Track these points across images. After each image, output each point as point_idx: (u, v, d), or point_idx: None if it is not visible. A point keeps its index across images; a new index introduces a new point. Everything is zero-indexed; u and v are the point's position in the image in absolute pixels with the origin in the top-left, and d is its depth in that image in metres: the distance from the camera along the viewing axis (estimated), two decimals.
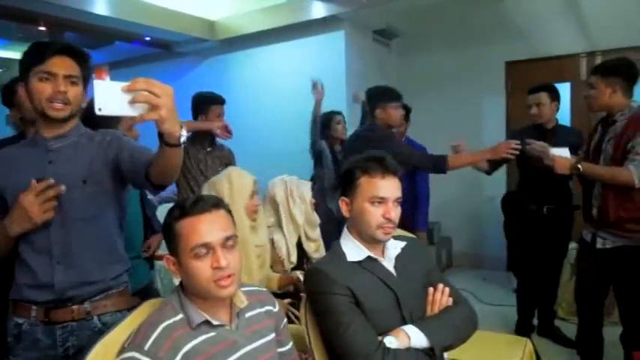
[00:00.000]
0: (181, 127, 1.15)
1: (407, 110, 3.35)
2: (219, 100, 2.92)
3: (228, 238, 1.12)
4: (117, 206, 1.49)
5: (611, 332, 3.23)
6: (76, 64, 1.36)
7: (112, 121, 1.87)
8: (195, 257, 1.09)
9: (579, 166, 2.28)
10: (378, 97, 2.84)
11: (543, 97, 2.85)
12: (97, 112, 1.02)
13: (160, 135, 1.15)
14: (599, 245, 2.36)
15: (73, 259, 1.38)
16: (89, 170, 1.40)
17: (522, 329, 3.10)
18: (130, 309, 1.41)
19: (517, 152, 2.52)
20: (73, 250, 1.38)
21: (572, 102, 4.31)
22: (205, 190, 2.03)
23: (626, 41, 4.06)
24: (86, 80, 1.41)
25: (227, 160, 2.98)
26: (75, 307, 1.39)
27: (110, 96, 1.01)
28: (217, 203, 1.16)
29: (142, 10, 4.15)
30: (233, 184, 1.98)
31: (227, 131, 2.86)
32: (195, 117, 2.91)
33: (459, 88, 4.66)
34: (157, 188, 1.38)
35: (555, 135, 2.84)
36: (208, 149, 2.89)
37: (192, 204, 1.13)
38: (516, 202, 3.12)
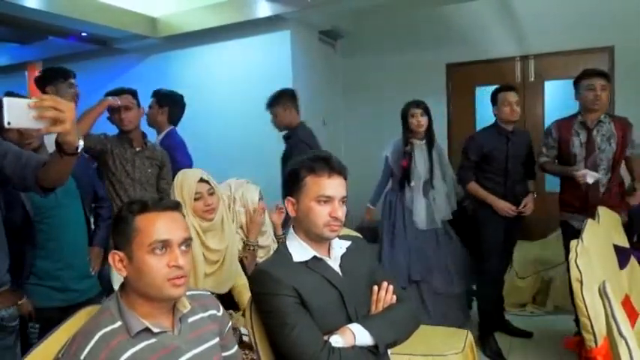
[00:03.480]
0: (79, 138, 1.28)
1: None
2: (115, 93, 2.64)
3: (185, 240, 1.14)
4: None
5: (547, 320, 3.44)
6: None
7: None
8: (152, 253, 1.09)
9: None
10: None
11: (516, 96, 2.98)
12: (7, 126, 1.13)
13: (59, 145, 1.28)
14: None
15: None
16: None
17: (486, 328, 3.07)
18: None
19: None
20: None
21: None
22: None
23: (556, 46, 4.31)
24: None
25: (160, 161, 2.75)
26: None
27: (18, 111, 1.13)
28: (178, 205, 1.19)
29: (78, 5, 3.95)
30: (179, 185, 1.95)
31: (127, 109, 2.59)
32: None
33: (402, 89, 4.75)
34: (46, 191, 1.47)
35: (515, 135, 3.00)
36: (137, 149, 2.66)
37: (156, 201, 1.14)
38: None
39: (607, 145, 2.74)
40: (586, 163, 2.74)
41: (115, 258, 1.12)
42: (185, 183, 1.94)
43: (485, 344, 2.99)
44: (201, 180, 1.95)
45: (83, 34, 4.54)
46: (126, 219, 1.11)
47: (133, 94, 2.67)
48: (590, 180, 2.64)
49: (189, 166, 2.87)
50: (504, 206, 2.93)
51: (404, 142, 3.18)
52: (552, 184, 4.51)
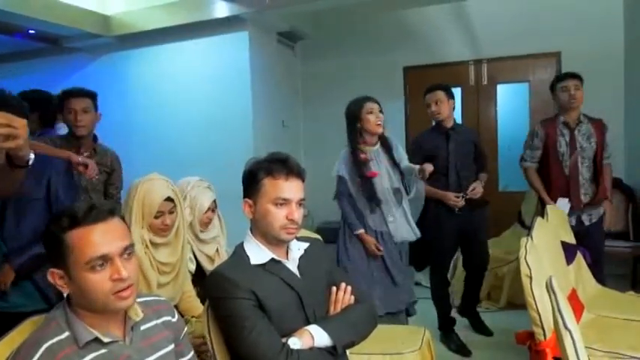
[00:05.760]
0: (30, 151, 1.33)
1: None
2: (73, 93, 2.50)
3: (126, 248, 1.06)
4: None
5: (500, 316, 3.55)
6: None
7: None
8: (91, 270, 1.01)
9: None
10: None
11: (440, 95, 3.02)
12: None
13: (9, 157, 1.32)
14: (587, 223, 3.00)
15: None
16: None
17: (446, 325, 3.15)
18: None
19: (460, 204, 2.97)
20: None
21: (462, 104, 4.66)
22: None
23: (507, 51, 4.48)
24: None
25: (109, 167, 2.62)
26: None
27: None
28: (112, 210, 1.09)
29: (25, 0, 3.78)
30: (141, 198, 1.81)
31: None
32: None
33: (360, 91, 4.72)
34: None
35: (455, 132, 3.05)
36: (85, 154, 2.50)
37: (86, 212, 1.03)
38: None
39: (587, 144, 2.95)
40: (569, 161, 2.95)
41: (54, 276, 1.05)
42: (148, 199, 1.80)
43: (449, 340, 3.08)
44: (167, 198, 1.83)
45: (31, 31, 4.35)
46: (56, 236, 1.03)
47: (92, 97, 2.55)
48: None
49: None
50: (450, 195, 2.95)
51: (353, 150, 2.67)
52: (505, 183, 4.70)
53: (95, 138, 2.65)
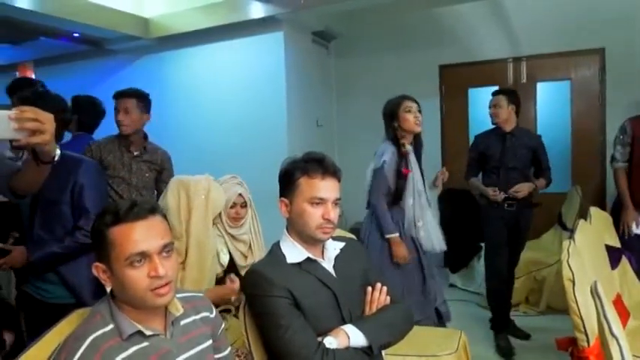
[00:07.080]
0: (56, 146, 1.30)
1: None
2: (117, 94, 2.63)
3: (165, 246, 1.09)
4: None
5: (540, 320, 3.46)
6: None
7: None
8: (130, 266, 1.05)
9: None
10: None
11: (500, 99, 3.08)
12: None
13: (36, 153, 1.30)
14: None
15: None
16: None
17: (498, 325, 3.14)
18: None
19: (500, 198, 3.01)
20: None
21: None
22: (172, 187, 1.98)
23: (548, 48, 4.35)
24: None
25: (159, 165, 2.73)
26: None
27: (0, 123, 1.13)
28: (154, 209, 1.12)
29: (69, 5, 3.93)
30: (209, 199, 1.98)
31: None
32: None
33: (395, 90, 4.70)
34: (19, 197, 1.55)
35: (513, 136, 3.09)
36: (136, 153, 2.65)
37: (127, 209, 1.07)
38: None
39: None
40: None
41: (98, 270, 1.09)
42: (218, 196, 2.03)
43: (498, 339, 3.06)
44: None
45: (75, 34, 4.51)
46: (100, 232, 1.07)
47: (137, 97, 2.64)
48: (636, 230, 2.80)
49: None
50: (489, 190, 3.04)
51: (396, 145, 2.57)
52: None
53: (145, 136, 2.75)
